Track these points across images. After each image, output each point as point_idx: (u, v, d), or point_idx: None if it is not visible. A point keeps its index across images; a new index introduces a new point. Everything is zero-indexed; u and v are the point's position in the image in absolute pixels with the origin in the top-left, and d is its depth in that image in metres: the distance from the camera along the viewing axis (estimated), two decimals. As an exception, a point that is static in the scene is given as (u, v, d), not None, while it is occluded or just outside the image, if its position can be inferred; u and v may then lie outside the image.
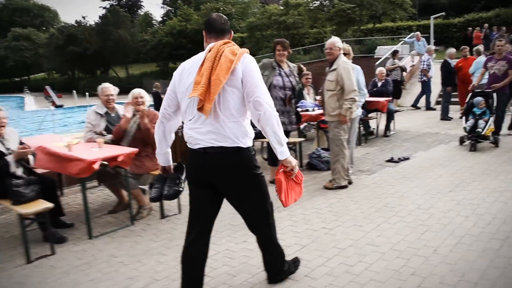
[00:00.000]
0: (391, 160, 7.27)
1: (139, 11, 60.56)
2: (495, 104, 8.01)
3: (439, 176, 6.21)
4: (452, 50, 12.26)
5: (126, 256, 4.16)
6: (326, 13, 28.12)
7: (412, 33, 21.25)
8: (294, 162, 3.00)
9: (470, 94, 8.34)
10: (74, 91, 32.55)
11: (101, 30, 41.31)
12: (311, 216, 4.90)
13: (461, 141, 8.12)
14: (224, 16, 3.04)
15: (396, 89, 13.88)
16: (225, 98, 2.80)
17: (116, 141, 5.28)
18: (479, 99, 8.01)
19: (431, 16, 22.81)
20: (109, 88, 5.47)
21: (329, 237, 4.31)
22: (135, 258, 4.11)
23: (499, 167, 6.50)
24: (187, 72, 2.90)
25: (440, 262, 3.66)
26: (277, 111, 2.91)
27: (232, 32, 3.09)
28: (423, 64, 13.10)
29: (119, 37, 39.79)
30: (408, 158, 7.39)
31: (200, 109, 2.76)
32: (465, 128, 7.83)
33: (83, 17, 61.02)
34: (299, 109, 6.91)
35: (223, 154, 2.85)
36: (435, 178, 6.15)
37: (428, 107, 13.76)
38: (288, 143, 3.02)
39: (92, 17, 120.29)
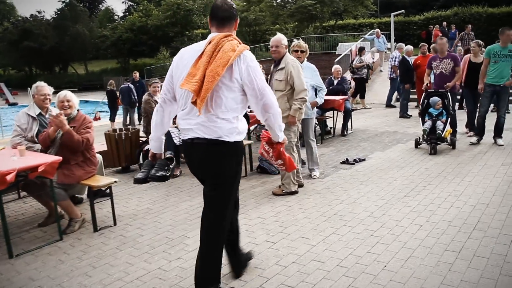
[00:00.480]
0: (346, 162, 7.00)
1: (100, 6, 59.16)
2: (451, 104, 7.82)
3: (395, 179, 5.96)
4: (409, 47, 12.11)
5: (46, 278, 3.70)
6: (287, 10, 28.00)
7: (372, 30, 21.24)
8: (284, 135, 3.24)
9: (424, 94, 8.07)
10: (29, 89, 31.16)
11: (58, 25, 40.11)
12: (255, 227, 4.53)
13: (417, 143, 7.88)
14: (230, 1, 2.92)
15: (361, 88, 13.68)
16: (218, 96, 2.75)
17: (44, 149, 4.79)
18: (435, 99, 7.73)
19: (392, 14, 22.82)
20: (44, 87, 5.16)
21: (272, 252, 3.94)
22: (56, 280, 3.65)
23: (456, 169, 6.31)
24: (185, 60, 2.86)
25: (389, 280, 3.35)
26: None
27: (238, 18, 3.01)
28: (394, 61, 12.70)
29: (77, 32, 38.68)
30: (364, 159, 7.14)
31: (194, 103, 2.70)
32: (424, 130, 7.56)
33: (38, 12, 58.80)
34: (247, 109, 6.54)
35: (207, 145, 2.80)
36: (390, 181, 5.90)
37: (389, 104, 13.65)
38: None
39: (51, 12, 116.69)
